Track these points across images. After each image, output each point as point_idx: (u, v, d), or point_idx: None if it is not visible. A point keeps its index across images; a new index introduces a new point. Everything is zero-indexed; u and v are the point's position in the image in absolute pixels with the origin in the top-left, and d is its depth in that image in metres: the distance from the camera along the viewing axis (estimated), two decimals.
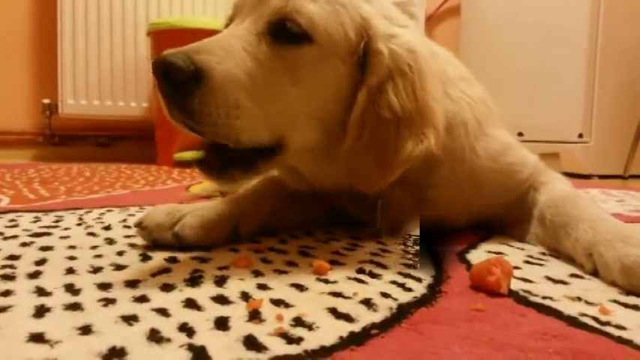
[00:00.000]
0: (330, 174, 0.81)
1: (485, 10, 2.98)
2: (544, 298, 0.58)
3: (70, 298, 0.53)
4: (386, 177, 0.74)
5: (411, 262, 0.72)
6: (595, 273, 0.66)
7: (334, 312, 0.51)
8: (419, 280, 0.64)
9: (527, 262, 0.74)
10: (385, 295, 0.57)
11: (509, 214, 0.90)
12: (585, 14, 2.43)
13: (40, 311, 0.49)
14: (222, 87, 0.64)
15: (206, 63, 0.63)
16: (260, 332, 0.46)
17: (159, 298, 0.54)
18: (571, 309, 0.54)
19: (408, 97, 0.72)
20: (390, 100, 0.71)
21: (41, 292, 0.55)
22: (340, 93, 0.73)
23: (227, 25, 0.76)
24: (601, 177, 2.43)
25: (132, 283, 0.59)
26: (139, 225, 0.76)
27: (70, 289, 0.56)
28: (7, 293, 0.54)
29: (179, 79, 0.61)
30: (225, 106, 0.64)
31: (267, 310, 0.51)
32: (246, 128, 0.67)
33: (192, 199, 1.32)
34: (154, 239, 0.75)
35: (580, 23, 2.45)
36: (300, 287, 0.59)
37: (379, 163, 0.73)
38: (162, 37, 2.56)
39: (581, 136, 2.45)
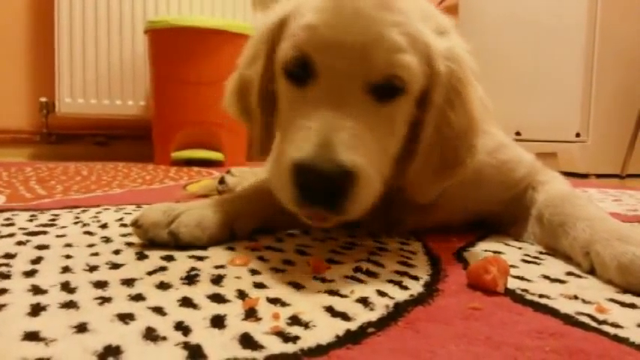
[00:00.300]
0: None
1: (483, 9, 2.99)
2: (541, 296, 0.58)
3: (66, 297, 0.53)
4: (441, 187, 0.77)
5: (408, 260, 0.72)
6: (592, 271, 0.66)
7: (331, 310, 0.51)
8: (416, 278, 0.64)
9: (524, 260, 0.74)
10: (382, 293, 0.57)
11: (507, 213, 0.90)
12: (583, 13, 2.43)
13: (36, 310, 0.49)
14: (368, 180, 0.62)
15: (350, 162, 0.60)
16: (256, 331, 0.46)
17: (155, 297, 0.54)
18: (568, 307, 0.54)
19: (462, 112, 0.72)
20: (451, 118, 0.72)
21: (37, 290, 0.55)
22: (411, 121, 0.72)
23: (293, 68, 0.68)
24: (598, 176, 2.43)
25: (128, 282, 0.59)
26: (135, 224, 0.75)
27: (66, 287, 0.56)
28: (2, 292, 0.54)
29: (339, 191, 0.60)
30: (371, 191, 0.64)
31: (264, 309, 0.51)
32: (374, 197, 0.66)
33: (190, 197, 1.32)
34: (149, 238, 0.75)
35: (578, 22, 2.45)
36: (297, 286, 0.59)
37: (437, 176, 0.75)
38: (160, 35, 2.56)
39: (578, 135, 2.45)
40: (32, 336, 0.43)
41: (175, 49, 2.52)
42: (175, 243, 0.74)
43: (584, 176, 2.39)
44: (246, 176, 1.30)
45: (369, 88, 0.66)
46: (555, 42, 2.55)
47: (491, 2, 2.93)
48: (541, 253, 0.79)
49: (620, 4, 2.46)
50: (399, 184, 0.76)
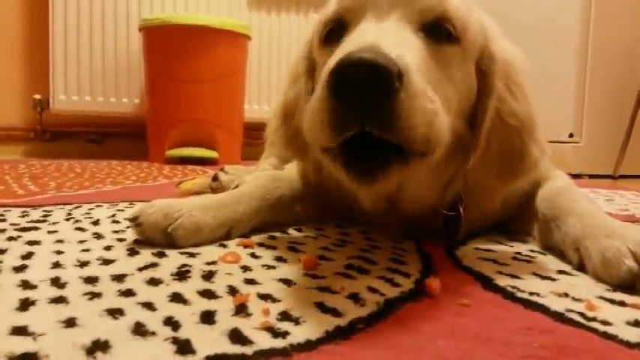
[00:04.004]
0: (424, 192, 0.76)
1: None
2: (531, 293, 0.58)
3: (56, 292, 0.53)
4: (506, 188, 0.73)
5: (399, 257, 0.72)
6: (582, 267, 0.67)
7: (321, 306, 0.51)
8: (407, 275, 0.64)
9: (515, 258, 0.74)
10: (373, 290, 0.57)
11: (519, 212, 0.88)
12: (576, 14, 2.44)
13: (25, 304, 0.49)
14: (422, 83, 0.54)
15: (402, 59, 0.51)
16: (246, 326, 0.46)
17: (145, 292, 0.54)
18: (558, 305, 0.54)
19: (524, 102, 0.70)
20: (513, 106, 0.69)
21: (26, 285, 0.55)
22: (470, 99, 0.69)
23: (336, 22, 0.66)
24: (591, 177, 2.45)
25: (118, 277, 0.58)
26: (135, 220, 0.74)
27: (56, 282, 0.56)
28: None
29: (386, 83, 0.49)
30: (427, 105, 0.54)
31: (254, 305, 0.51)
32: (440, 128, 0.56)
33: (183, 195, 1.32)
34: (146, 237, 0.74)
35: (571, 23, 2.46)
36: (288, 282, 0.59)
37: (501, 174, 0.71)
38: (155, 33, 2.55)
39: (571, 135, 2.47)
40: (20, 330, 0.43)
41: (170, 46, 2.52)
42: (170, 244, 0.73)
43: (577, 176, 2.40)
44: (239, 174, 1.30)
45: (417, 27, 0.62)
46: (548, 43, 2.56)
47: (483, 3, 2.93)
48: (532, 251, 0.79)
49: (613, 6, 2.47)
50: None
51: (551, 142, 0.77)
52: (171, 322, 0.46)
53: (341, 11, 0.66)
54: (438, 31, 0.64)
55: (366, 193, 0.64)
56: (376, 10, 0.62)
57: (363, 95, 0.50)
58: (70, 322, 0.45)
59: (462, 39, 0.66)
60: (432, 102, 0.55)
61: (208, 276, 0.60)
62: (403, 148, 0.54)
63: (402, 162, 0.56)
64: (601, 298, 0.57)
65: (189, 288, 0.56)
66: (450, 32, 0.65)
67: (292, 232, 0.88)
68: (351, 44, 0.54)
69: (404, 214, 0.79)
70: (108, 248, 0.72)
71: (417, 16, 0.63)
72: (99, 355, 0.39)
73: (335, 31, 0.66)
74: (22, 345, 0.40)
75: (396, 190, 0.75)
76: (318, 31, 0.71)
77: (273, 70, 3.02)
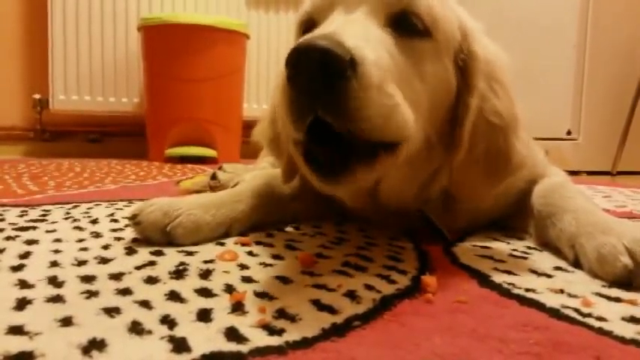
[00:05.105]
0: (403, 186, 0.77)
1: (472, 6, 2.98)
2: (527, 290, 0.58)
3: (53, 291, 0.53)
4: (495, 187, 0.73)
5: (396, 255, 0.72)
6: (577, 264, 0.67)
7: (317, 304, 0.51)
8: (404, 272, 0.64)
9: (512, 255, 0.74)
10: (369, 287, 0.57)
11: (515, 209, 0.89)
12: (575, 11, 2.44)
13: (22, 304, 0.49)
14: (379, 76, 0.54)
15: (358, 50, 0.52)
16: (242, 324, 0.46)
17: (142, 291, 0.54)
18: (553, 301, 0.54)
19: (506, 100, 0.70)
20: (496, 105, 0.69)
21: (24, 284, 0.55)
22: (448, 96, 0.69)
23: (308, 22, 0.68)
24: (589, 173, 2.45)
25: (116, 276, 0.59)
26: (134, 218, 0.74)
27: (53, 281, 0.56)
28: None
29: (335, 69, 0.50)
30: (383, 99, 0.55)
31: (251, 303, 0.51)
32: (399, 122, 0.57)
33: (183, 193, 1.32)
34: (145, 236, 0.74)
35: (569, 20, 2.46)
36: (285, 280, 0.59)
37: (489, 173, 0.71)
38: (154, 32, 2.55)
39: (569, 133, 2.46)
40: (16, 329, 0.43)
41: (169, 46, 2.52)
42: (169, 242, 0.73)
43: (576, 173, 2.40)
44: (238, 172, 1.30)
45: (385, 21, 0.63)
46: (547, 40, 2.55)
47: (483, 1, 2.93)
48: (529, 248, 0.79)
49: (611, 3, 2.47)
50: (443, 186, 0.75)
51: (549, 139, 0.77)
52: (167, 321, 0.46)
53: (312, 10, 0.68)
54: (407, 25, 0.64)
55: (330, 190, 0.66)
56: (344, 5, 0.64)
57: (314, 81, 0.51)
58: (67, 321, 0.45)
59: (434, 33, 0.65)
60: (389, 97, 0.56)
61: (205, 274, 0.60)
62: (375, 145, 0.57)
63: (368, 161, 0.58)
64: (597, 294, 0.57)
65: (186, 286, 0.56)
66: (419, 26, 0.64)
67: (290, 229, 0.88)
68: (310, 35, 0.54)
69: (386, 209, 0.80)
70: (106, 247, 0.72)
71: (384, 10, 0.63)
72: (95, 353, 0.39)
73: (309, 30, 0.66)
74: (19, 344, 0.40)
75: (374, 185, 0.76)
76: (295, 32, 0.72)
77: (272, 68, 3.02)
